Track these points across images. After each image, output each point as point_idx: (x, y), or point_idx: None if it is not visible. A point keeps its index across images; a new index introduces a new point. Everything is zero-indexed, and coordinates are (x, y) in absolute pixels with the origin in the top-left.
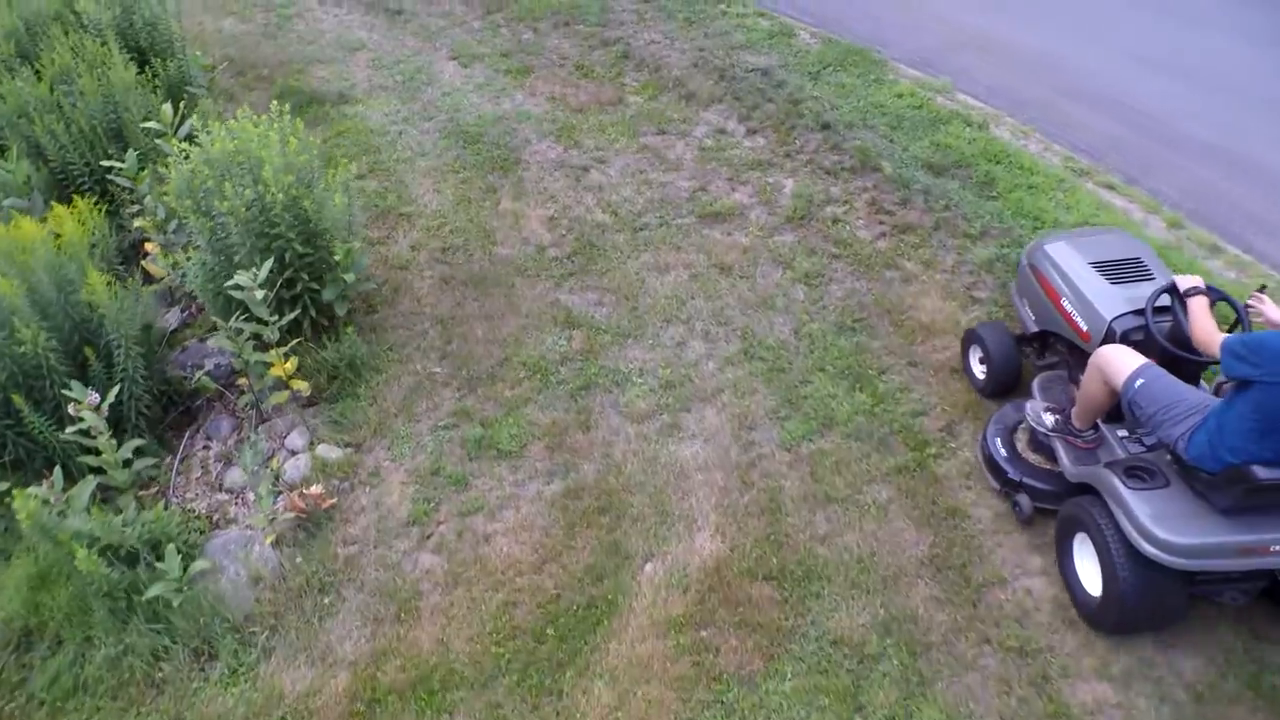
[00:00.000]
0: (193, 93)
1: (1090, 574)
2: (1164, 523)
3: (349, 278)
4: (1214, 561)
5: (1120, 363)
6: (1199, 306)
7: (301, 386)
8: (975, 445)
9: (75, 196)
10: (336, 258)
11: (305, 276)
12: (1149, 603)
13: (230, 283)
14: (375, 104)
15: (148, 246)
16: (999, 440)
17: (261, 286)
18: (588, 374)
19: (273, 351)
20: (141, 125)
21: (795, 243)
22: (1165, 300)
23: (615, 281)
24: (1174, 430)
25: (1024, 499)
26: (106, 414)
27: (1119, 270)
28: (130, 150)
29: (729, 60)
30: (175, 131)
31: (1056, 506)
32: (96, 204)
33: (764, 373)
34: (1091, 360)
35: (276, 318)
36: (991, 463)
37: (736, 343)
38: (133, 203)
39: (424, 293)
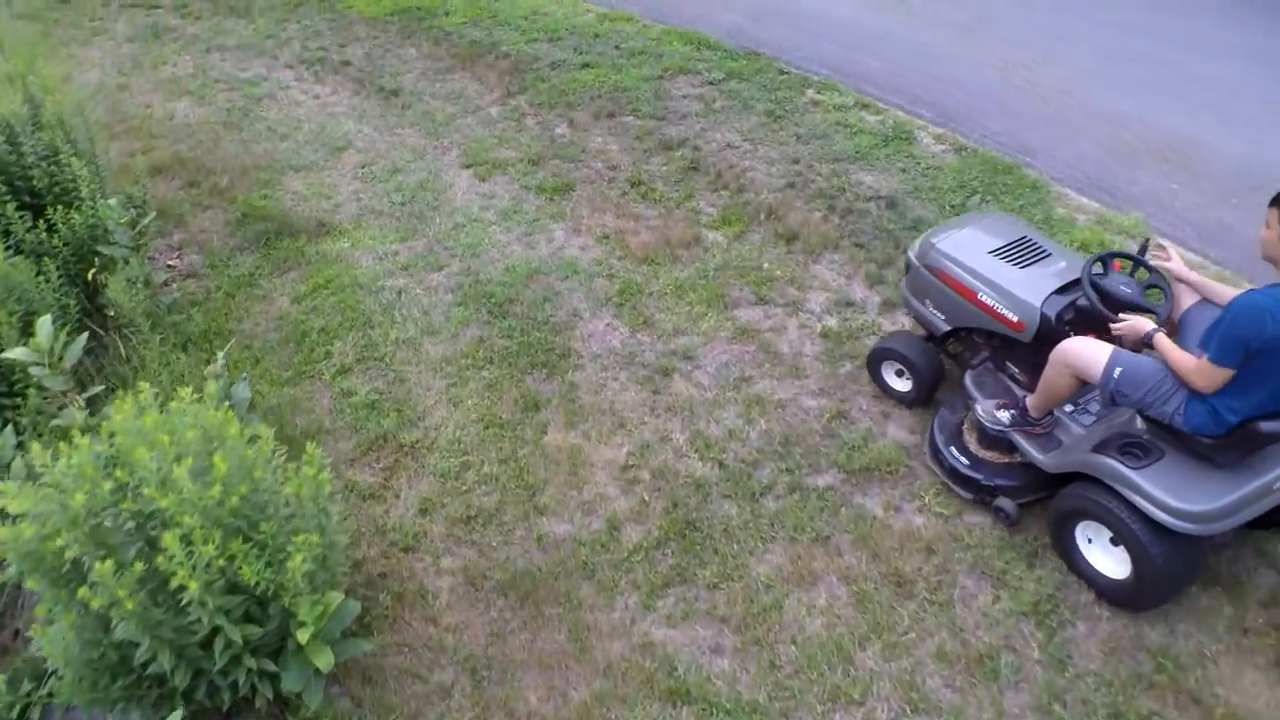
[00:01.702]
0: (108, 256)
1: (1106, 559)
2: (1181, 494)
3: (323, 662)
4: (1236, 517)
5: (1091, 356)
6: (1166, 345)
7: None
8: (925, 459)
9: None
10: (303, 633)
11: (251, 659)
12: (1182, 571)
13: None
14: (366, 238)
15: None
16: (954, 449)
17: None
18: None
19: None
20: (2, 357)
21: (1000, 531)
22: (1099, 268)
23: (734, 603)
24: (1166, 407)
25: (1005, 502)
26: None
27: (1018, 253)
28: None
29: (836, 181)
30: (60, 358)
31: (1033, 498)
32: None
33: None
34: (1056, 357)
35: None
36: (958, 476)
37: None
38: None
39: (443, 605)
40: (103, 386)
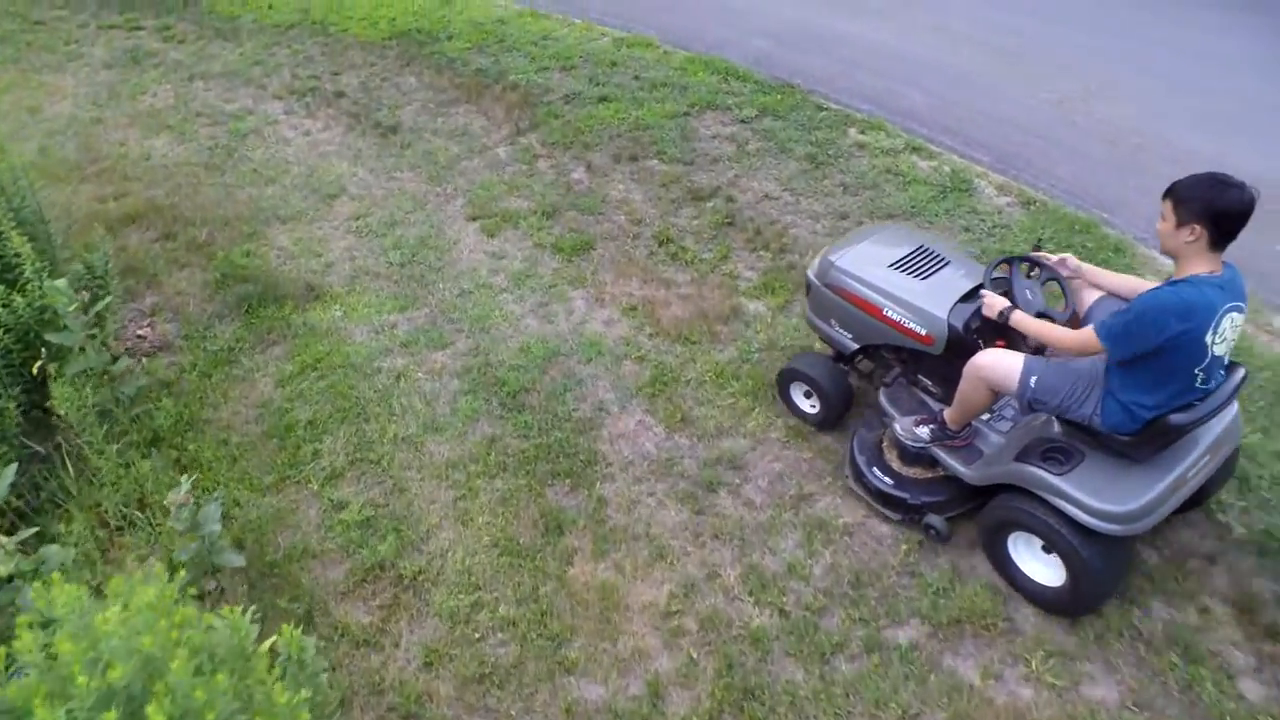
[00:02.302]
0: (58, 346)
1: (1039, 567)
2: (1106, 495)
3: None
4: (1159, 512)
5: (1005, 367)
6: (1026, 322)
7: None
8: (848, 483)
9: None
10: None
11: None
12: (1114, 571)
13: None
14: (360, 306)
15: None
16: (877, 470)
17: None
18: None
19: None
20: None
21: (1133, 714)
22: (1001, 271)
23: None
24: (1084, 410)
25: (935, 519)
26: None
27: (917, 265)
28: None
29: None
30: None
31: (961, 510)
32: None
33: None
34: (970, 371)
35: None
36: (884, 497)
37: None
38: None
39: None
40: (35, 529)
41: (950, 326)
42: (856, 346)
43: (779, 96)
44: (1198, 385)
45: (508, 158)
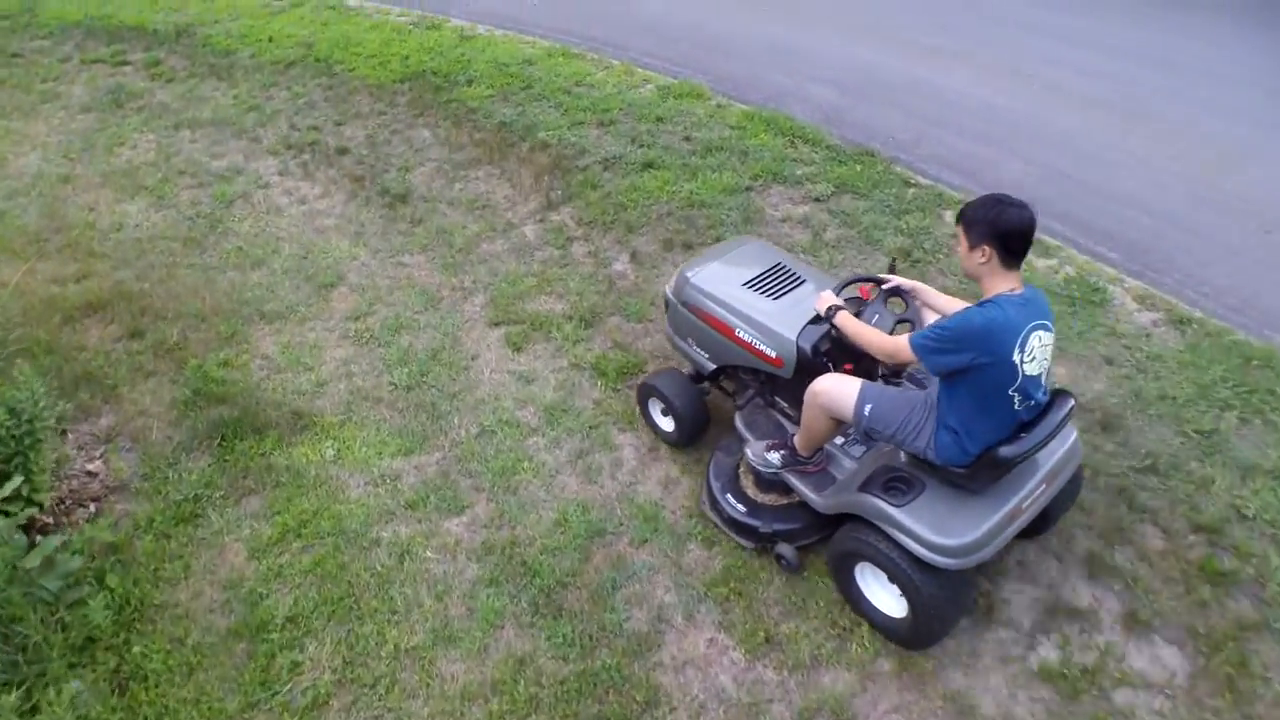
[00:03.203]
0: None
1: (885, 598)
2: (943, 528)
3: None
4: (994, 545)
5: (841, 394)
6: (848, 322)
7: None
8: (703, 507)
9: None
10: None
11: None
12: (956, 602)
13: None
14: (356, 445)
15: None
16: (731, 496)
17: None
18: None
19: None
20: None
21: None
22: (851, 291)
23: None
24: (918, 442)
25: (786, 549)
26: None
27: (771, 283)
28: None
29: None
30: None
31: (813, 540)
32: None
33: None
34: (809, 398)
35: None
36: (736, 524)
37: None
38: None
39: None
40: None
41: (799, 349)
42: (715, 366)
43: (857, 167)
44: (1016, 408)
45: (536, 239)
